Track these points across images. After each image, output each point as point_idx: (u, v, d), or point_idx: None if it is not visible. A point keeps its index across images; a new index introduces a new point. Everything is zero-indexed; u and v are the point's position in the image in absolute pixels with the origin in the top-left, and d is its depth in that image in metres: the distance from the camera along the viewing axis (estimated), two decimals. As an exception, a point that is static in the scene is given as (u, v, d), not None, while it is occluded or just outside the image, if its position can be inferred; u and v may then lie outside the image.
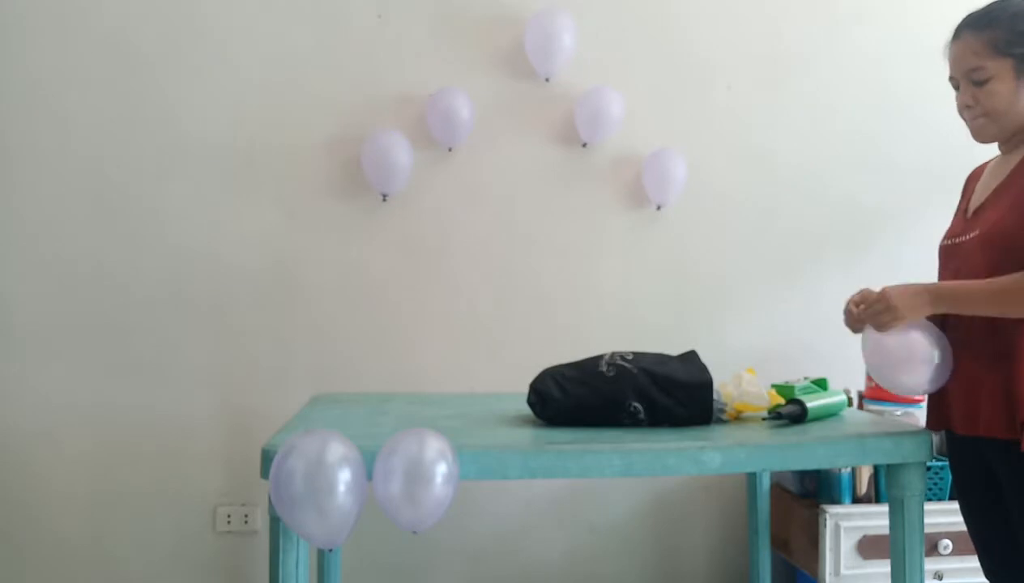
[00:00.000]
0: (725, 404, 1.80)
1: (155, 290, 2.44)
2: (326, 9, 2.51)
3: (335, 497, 1.31)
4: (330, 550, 2.04)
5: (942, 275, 1.69)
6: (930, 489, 2.28)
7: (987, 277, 1.53)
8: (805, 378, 1.85)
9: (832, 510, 2.26)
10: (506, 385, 2.28)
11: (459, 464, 1.43)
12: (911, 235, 2.68)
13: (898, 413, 2.27)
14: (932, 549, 2.23)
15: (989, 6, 1.57)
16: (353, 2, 2.52)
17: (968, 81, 1.56)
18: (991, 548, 1.64)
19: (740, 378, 1.86)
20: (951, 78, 1.61)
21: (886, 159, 2.72)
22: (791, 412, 1.76)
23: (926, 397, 1.71)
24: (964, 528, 1.70)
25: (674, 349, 1.90)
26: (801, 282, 2.70)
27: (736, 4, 2.69)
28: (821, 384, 1.93)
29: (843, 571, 2.25)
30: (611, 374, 1.74)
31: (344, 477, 1.32)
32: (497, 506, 2.58)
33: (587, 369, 1.77)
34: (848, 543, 2.25)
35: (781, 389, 1.86)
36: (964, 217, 1.67)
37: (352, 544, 2.31)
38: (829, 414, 1.86)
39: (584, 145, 2.59)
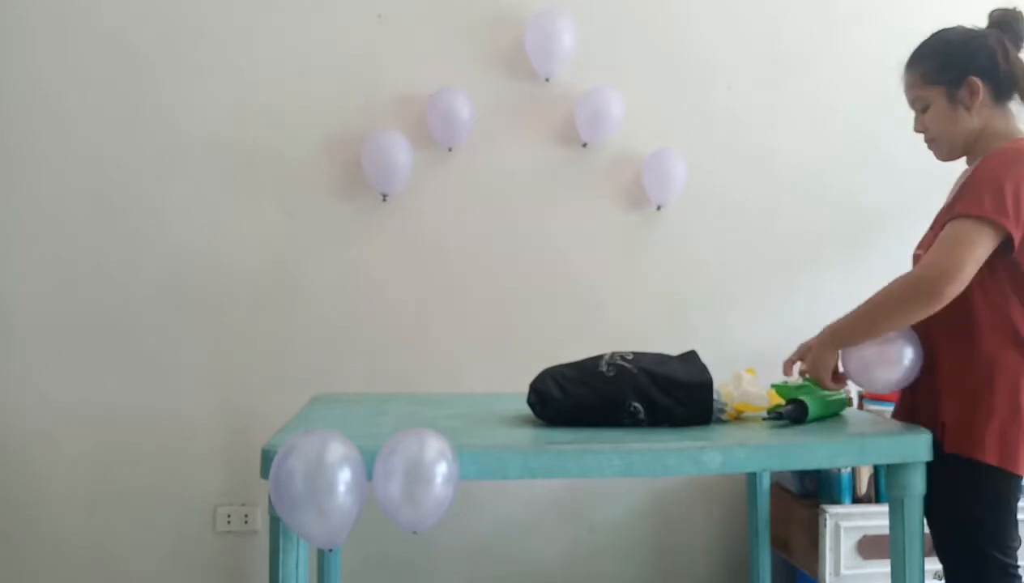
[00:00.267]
0: (725, 404, 1.79)
1: (155, 290, 2.44)
2: (326, 9, 2.51)
3: (335, 497, 1.31)
4: (330, 550, 2.03)
5: None
6: (930, 489, 2.28)
7: None
8: (804, 378, 1.85)
9: (832, 510, 2.26)
10: (506, 385, 2.28)
11: (459, 464, 1.43)
12: (911, 235, 2.65)
13: (898, 413, 2.27)
14: (932, 549, 2.23)
15: (921, 44, 1.73)
16: (353, 2, 2.52)
17: (915, 110, 1.75)
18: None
19: (740, 378, 1.86)
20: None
21: (886, 159, 2.72)
22: (791, 412, 1.76)
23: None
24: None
25: (674, 349, 1.90)
26: (801, 282, 2.70)
27: (736, 4, 2.69)
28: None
29: (843, 571, 2.25)
30: (611, 374, 1.74)
31: (344, 477, 1.32)
32: (497, 506, 2.58)
33: (587, 369, 1.77)
34: (848, 543, 2.26)
35: (781, 389, 1.86)
36: (931, 226, 1.76)
37: (352, 544, 2.31)
38: (829, 414, 1.86)
39: (584, 145, 2.59)
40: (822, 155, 2.72)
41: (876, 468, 2.29)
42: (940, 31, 1.72)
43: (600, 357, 1.80)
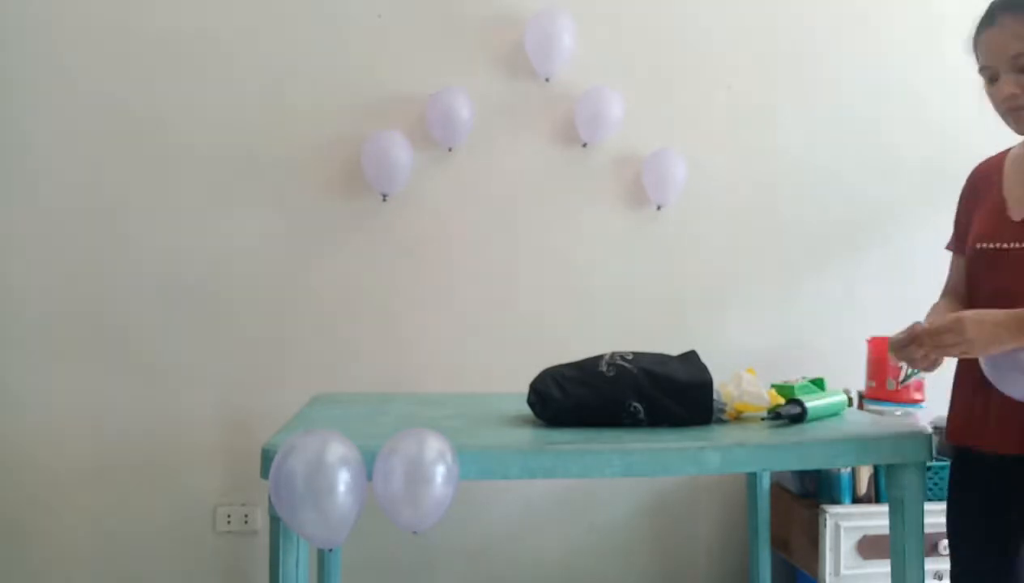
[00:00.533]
0: (725, 404, 1.79)
1: (155, 290, 2.44)
2: (326, 9, 2.51)
3: (335, 497, 1.31)
4: (330, 550, 2.04)
5: (975, 282, 1.56)
6: (930, 489, 2.28)
7: None
8: (804, 378, 1.85)
9: (832, 510, 2.26)
10: (506, 385, 2.28)
11: (459, 464, 1.43)
12: (912, 235, 2.68)
13: (898, 413, 2.27)
14: (932, 549, 2.22)
15: None
16: (353, 2, 2.52)
17: (1012, 68, 1.40)
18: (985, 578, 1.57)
19: (740, 378, 1.86)
20: (983, 69, 1.46)
21: (887, 158, 2.72)
22: (791, 412, 1.76)
23: (950, 408, 1.63)
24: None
25: (674, 349, 1.90)
26: (801, 282, 2.70)
27: (736, 4, 2.69)
28: (818, 384, 1.93)
29: (843, 571, 2.25)
30: (611, 374, 1.74)
31: (344, 477, 1.32)
32: (497, 506, 2.58)
33: (587, 369, 1.77)
34: (848, 543, 2.26)
35: (781, 389, 1.86)
36: (1003, 218, 1.51)
37: (352, 544, 2.30)
38: (829, 414, 1.86)
39: (584, 145, 2.59)
40: (822, 155, 2.72)
41: (876, 468, 2.30)
42: None
43: (600, 357, 1.80)
